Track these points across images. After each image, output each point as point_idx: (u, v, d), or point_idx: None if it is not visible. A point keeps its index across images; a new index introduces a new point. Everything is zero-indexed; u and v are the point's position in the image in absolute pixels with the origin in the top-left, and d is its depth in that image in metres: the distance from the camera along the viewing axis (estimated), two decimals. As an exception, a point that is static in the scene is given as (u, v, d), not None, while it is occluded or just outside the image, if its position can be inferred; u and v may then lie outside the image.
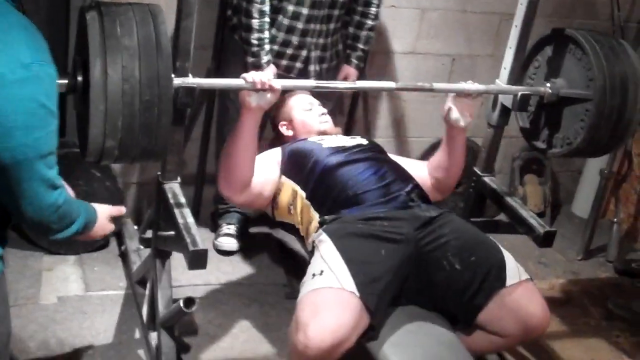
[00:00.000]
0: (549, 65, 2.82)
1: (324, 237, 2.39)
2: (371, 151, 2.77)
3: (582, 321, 3.40)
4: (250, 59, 3.04)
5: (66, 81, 2.04)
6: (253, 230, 3.65)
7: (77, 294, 3.04)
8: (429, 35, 3.81)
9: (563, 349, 3.09)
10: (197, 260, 2.33)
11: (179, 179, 2.61)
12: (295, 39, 3.10)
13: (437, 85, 2.68)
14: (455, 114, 2.68)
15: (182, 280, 3.10)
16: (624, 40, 2.83)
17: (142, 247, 3.26)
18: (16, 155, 1.61)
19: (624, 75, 2.62)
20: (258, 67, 3.03)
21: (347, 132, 3.76)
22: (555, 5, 3.95)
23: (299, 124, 2.93)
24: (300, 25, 3.07)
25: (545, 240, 2.82)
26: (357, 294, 2.20)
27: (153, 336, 2.72)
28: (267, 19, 3.01)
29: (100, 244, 3.34)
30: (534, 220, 2.86)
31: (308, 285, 2.27)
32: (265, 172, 2.66)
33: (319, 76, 3.22)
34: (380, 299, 2.25)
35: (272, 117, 3.05)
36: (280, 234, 3.57)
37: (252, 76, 2.35)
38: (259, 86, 2.34)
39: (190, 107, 2.37)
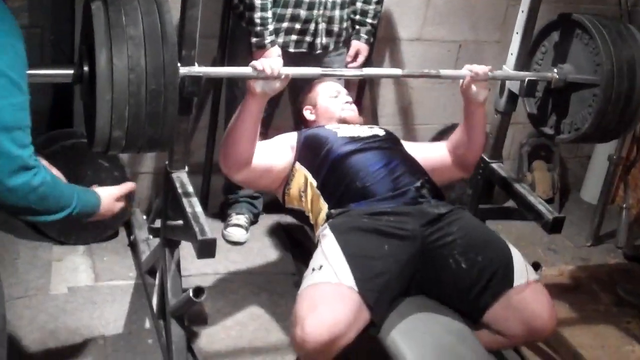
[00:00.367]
0: (556, 50, 2.81)
1: (327, 231, 2.39)
2: (386, 142, 2.76)
3: (591, 307, 3.38)
4: (253, 39, 3.04)
5: (72, 72, 2.05)
6: (262, 219, 3.65)
7: (87, 284, 3.05)
8: (435, 21, 3.80)
9: (572, 335, 3.08)
10: (206, 249, 2.33)
11: (186, 168, 2.62)
12: (302, 13, 3.10)
13: (443, 72, 2.67)
14: (474, 88, 2.65)
15: (192, 269, 3.11)
16: (631, 24, 2.80)
17: (151, 236, 3.26)
18: None
19: (631, 60, 2.61)
20: (262, 47, 3.04)
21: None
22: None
23: (323, 109, 2.93)
24: None
25: (554, 227, 2.81)
26: (356, 289, 2.19)
27: (163, 325, 2.73)
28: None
29: (110, 234, 3.35)
30: (542, 207, 2.85)
31: (307, 279, 2.28)
32: (273, 155, 2.66)
33: (327, 49, 3.22)
34: (380, 294, 2.24)
35: (298, 102, 3.06)
36: (290, 223, 3.60)
37: (261, 64, 2.34)
38: (268, 74, 2.34)
39: (197, 96, 2.37)
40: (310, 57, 3.19)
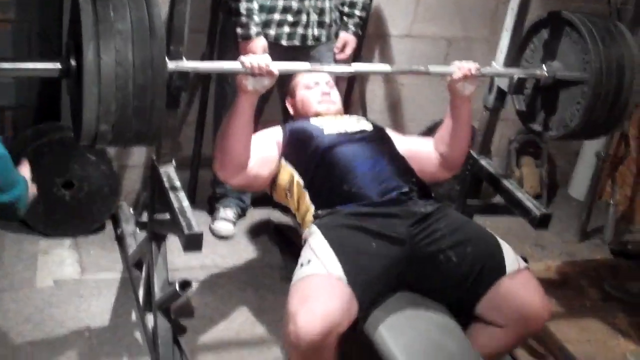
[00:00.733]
0: (545, 48, 2.81)
1: (314, 229, 2.38)
2: (373, 138, 2.73)
3: (578, 302, 3.41)
4: (239, 30, 3.03)
5: (59, 65, 2.04)
6: (250, 213, 3.65)
7: (73, 277, 3.04)
8: (425, 18, 3.80)
9: (559, 330, 3.09)
10: (193, 243, 2.33)
11: (174, 163, 2.61)
12: (294, 4, 3.09)
13: (432, 68, 2.67)
14: (460, 82, 2.63)
15: (178, 263, 3.10)
16: (620, 22, 2.81)
17: (138, 230, 3.26)
18: None
19: (620, 58, 2.62)
20: (247, 38, 3.03)
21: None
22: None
23: (299, 102, 2.91)
24: None
25: (542, 223, 2.82)
26: (345, 279, 2.19)
27: (149, 318, 2.73)
28: None
29: (96, 227, 3.34)
30: (530, 203, 2.86)
31: (296, 275, 2.27)
32: (262, 152, 2.63)
33: (319, 41, 3.22)
34: (365, 290, 2.22)
35: (282, 93, 3.04)
36: (277, 217, 3.60)
37: (249, 61, 2.32)
38: (256, 71, 2.32)
39: (185, 91, 2.37)
40: (301, 50, 3.19)
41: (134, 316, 2.87)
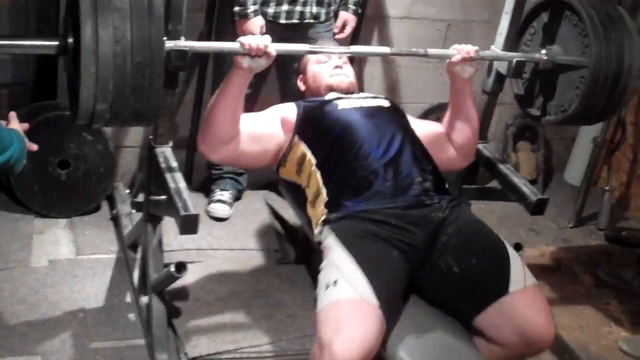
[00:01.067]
0: (545, 31, 2.80)
1: (332, 240, 2.25)
2: (389, 114, 2.61)
3: (572, 288, 3.41)
4: (237, 9, 3.01)
5: (57, 43, 2.02)
6: (246, 195, 3.64)
7: (68, 258, 3.03)
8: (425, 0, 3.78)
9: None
10: (189, 225, 2.32)
11: (170, 143, 2.60)
12: None
13: (431, 51, 2.65)
14: (460, 65, 2.58)
15: (174, 244, 3.09)
16: (620, 6, 2.80)
17: (133, 211, 3.25)
18: None
19: (620, 43, 2.60)
20: (245, 17, 3.01)
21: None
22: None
23: (311, 77, 2.78)
24: None
25: (537, 208, 2.82)
26: (377, 302, 2.07)
27: (144, 300, 2.72)
28: None
29: (92, 207, 3.32)
30: (526, 188, 2.85)
31: (323, 298, 2.12)
32: (254, 128, 2.53)
33: (317, 19, 3.20)
34: (389, 305, 2.12)
35: (280, 73, 3.01)
36: (274, 199, 3.59)
37: (248, 41, 2.29)
38: (254, 52, 2.29)
39: (183, 71, 2.35)
40: (300, 28, 3.17)
41: (128, 297, 2.87)
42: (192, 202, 2.35)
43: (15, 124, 2.09)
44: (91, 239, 3.17)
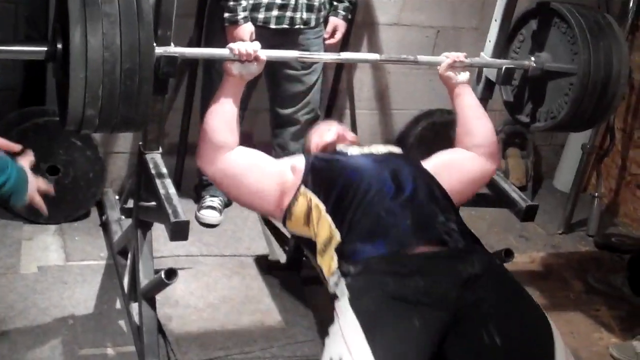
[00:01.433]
0: (534, 38, 2.81)
1: (345, 303, 2.00)
2: (402, 159, 2.49)
3: (562, 294, 3.42)
4: (226, 14, 3.01)
5: (46, 48, 2.02)
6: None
7: (57, 264, 3.02)
8: (414, 6, 3.79)
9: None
10: (179, 231, 2.32)
11: (160, 149, 2.60)
12: None
13: (421, 58, 2.66)
14: (452, 72, 2.58)
15: (164, 250, 3.09)
16: (609, 14, 2.82)
17: (123, 217, 3.24)
18: None
19: (608, 50, 2.61)
20: (234, 23, 3.01)
21: (331, 101, 3.76)
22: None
23: (315, 147, 2.65)
24: None
25: (527, 215, 2.83)
26: None
27: (134, 307, 2.71)
28: None
29: (82, 214, 3.31)
30: (516, 195, 2.86)
31: None
32: (258, 160, 2.43)
33: (307, 24, 3.20)
34: None
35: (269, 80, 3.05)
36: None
37: (237, 47, 2.30)
38: (244, 58, 2.30)
39: (172, 77, 2.34)
40: (290, 34, 3.17)
41: (118, 304, 2.86)
42: (182, 208, 2.34)
43: (25, 162, 2.02)
44: (81, 245, 3.16)
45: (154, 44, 2.07)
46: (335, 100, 3.77)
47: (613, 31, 2.66)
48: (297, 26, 3.17)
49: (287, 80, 3.30)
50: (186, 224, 2.31)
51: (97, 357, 2.60)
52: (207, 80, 3.32)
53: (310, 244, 2.34)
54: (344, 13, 3.34)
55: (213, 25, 3.19)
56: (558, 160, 4.52)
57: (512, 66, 2.80)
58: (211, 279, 3.08)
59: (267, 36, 2.96)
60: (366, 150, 2.52)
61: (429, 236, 2.15)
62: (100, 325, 2.73)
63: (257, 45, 2.33)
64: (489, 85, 2.93)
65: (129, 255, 2.80)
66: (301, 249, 2.54)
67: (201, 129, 2.42)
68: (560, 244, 3.90)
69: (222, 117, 2.37)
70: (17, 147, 2.01)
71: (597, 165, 4.21)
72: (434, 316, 1.98)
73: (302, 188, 2.36)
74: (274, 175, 2.41)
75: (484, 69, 2.91)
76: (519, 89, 2.89)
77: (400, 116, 4.02)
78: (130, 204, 2.90)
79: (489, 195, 3.03)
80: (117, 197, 3.43)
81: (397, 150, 2.59)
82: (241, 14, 3.01)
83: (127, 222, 3.00)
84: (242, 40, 2.82)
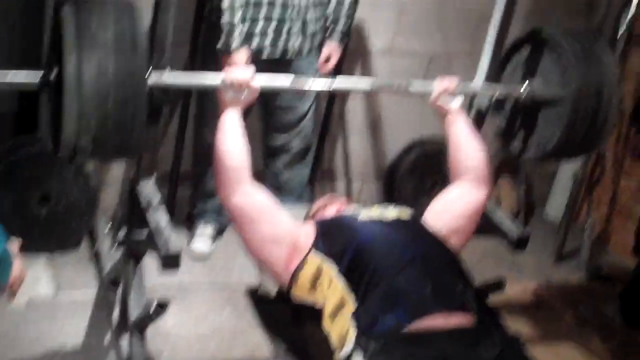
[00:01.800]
0: (526, 66, 2.81)
1: None
2: (412, 227, 2.41)
3: (553, 325, 3.40)
4: (220, 44, 3.01)
5: (40, 78, 2.01)
6: (229, 230, 3.62)
7: (47, 296, 3.00)
8: (407, 33, 3.81)
9: (534, 354, 3.07)
10: (170, 262, 2.31)
11: (153, 178, 2.58)
12: (276, 13, 3.08)
13: (413, 86, 2.64)
14: (444, 98, 2.54)
15: (155, 280, 3.05)
16: (602, 36, 2.80)
17: (115, 247, 3.21)
18: None
19: (599, 77, 2.59)
20: (228, 52, 3.01)
21: (324, 129, 3.76)
22: (535, 1, 3.96)
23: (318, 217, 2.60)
24: None
25: (519, 245, 2.82)
26: None
27: (124, 340, 2.68)
28: (237, 3, 2.98)
29: (73, 243, 3.29)
30: (507, 224, 2.85)
31: None
32: (276, 211, 2.34)
33: (300, 53, 3.21)
34: None
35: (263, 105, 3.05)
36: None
37: (230, 78, 2.28)
38: (236, 88, 2.27)
39: (166, 105, 2.34)
40: (282, 63, 3.17)
41: (109, 335, 2.82)
42: (174, 237, 2.33)
43: (14, 248, 2.03)
44: (72, 276, 3.14)
45: (148, 73, 2.06)
46: (328, 127, 3.77)
47: (604, 58, 2.64)
48: (288, 56, 3.18)
49: (280, 108, 3.31)
50: (178, 255, 2.30)
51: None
52: (200, 108, 3.32)
53: (314, 311, 2.26)
54: (340, 36, 3.35)
55: (208, 52, 3.19)
56: (549, 189, 4.52)
57: (503, 95, 2.79)
58: (202, 311, 3.05)
59: (259, 66, 2.97)
60: (375, 215, 2.45)
61: (450, 304, 2.08)
62: (90, 357, 2.71)
63: (251, 70, 2.30)
64: (480, 113, 2.93)
65: (120, 287, 2.77)
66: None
67: (215, 162, 2.32)
68: (552, 274, 3.88)
69: (231, 140, 2.30)
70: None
71: (588, 194, 4.21)
72: None
73: (312, 251, 2.28)
74: (286, 230, 2.33)
75: (476, 98, 2.91)
76: (511, 117, 2.86)
77: (393, 144, 4.02)
78: (122, 234, 2.88)
79: (481, 224, 3.02)
80: (109, 226, 3.41)
81: (405, 214, 2.49)
82: (234, 43, 3.01)
83: (119, 252, 2.97)
84: (237, 65, 2.83)
